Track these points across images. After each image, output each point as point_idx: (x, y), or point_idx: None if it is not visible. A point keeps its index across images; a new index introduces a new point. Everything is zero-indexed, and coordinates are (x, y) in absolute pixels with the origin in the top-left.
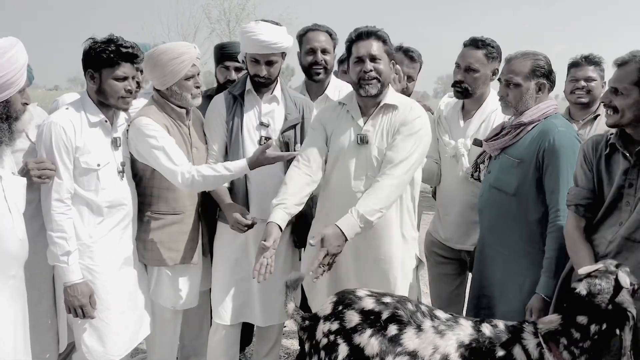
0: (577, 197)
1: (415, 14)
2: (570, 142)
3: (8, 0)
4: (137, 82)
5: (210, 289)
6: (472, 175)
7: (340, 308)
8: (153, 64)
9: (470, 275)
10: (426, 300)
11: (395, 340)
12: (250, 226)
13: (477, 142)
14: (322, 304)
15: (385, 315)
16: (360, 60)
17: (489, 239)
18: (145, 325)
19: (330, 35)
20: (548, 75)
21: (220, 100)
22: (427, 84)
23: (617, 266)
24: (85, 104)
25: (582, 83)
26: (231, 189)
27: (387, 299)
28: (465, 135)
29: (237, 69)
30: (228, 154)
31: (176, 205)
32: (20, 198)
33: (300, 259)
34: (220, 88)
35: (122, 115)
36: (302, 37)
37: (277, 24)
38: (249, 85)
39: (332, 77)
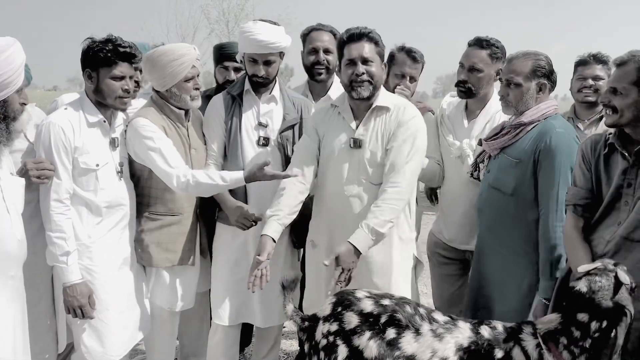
0: (576, 197)
1: (415, 14)
2: (567, 143)
3: (7, 0)
4: (137, 82)
5: (209, 289)
6: (471, 175)
7: (339, 309)
8: (152, 65)
9: None
10: (425, 300)
11: (393, 344)
12: (253, 223)
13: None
14: (318, 305)
15: (383, 319)
16: (352, 62)
17: (487, 238)
18: (143, 326)
19: (335, 35)
20: (549, 75)
21: (218, 100)
22: (426, 84)
23: (614, 265)
24: (83, 104)
25: (590, 82)
26: (231, 189)
27: (386, 301)
28: (470, 135)
29: (236, 69)
30: (226, 154)
31: (174, 207)
32: (19, 198)
33: (298, 259)
34: (219, 88)
35: (121, 116)
36: (305, 36)
37: (275, 23)
38: (247, 86)
39: (335, 77)
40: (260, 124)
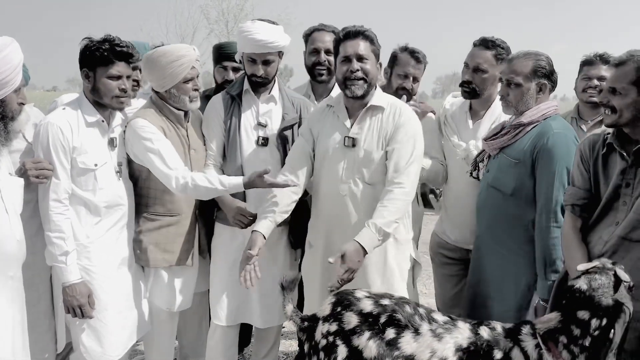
0: (574, 197)
1: (415, 14)
2: (565, 144)
3: (7, 0)
4: (137, 81)
5: (208, 289)
6: (471, 174)
7: (338, 309)
8: (152, 66)
9: None
10: (424, 300)
11: (393, 344)
12: (250, 219)
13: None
14: (316, 305)
15: (383, 319)
16: (347, 59)
17: (486, 237)
18: (142, 326)
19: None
20: (549, 75)
21: (218, 100)
22: (426, 85)
23: (613, 264)
24: (81, 104)
25: (595, 82)
26: None
27: (385, 301)
28: (476, 137)
29: (235, 69)
30: (225, 154)
31: (172, 207)
32: (18, 199)
33: (296, 259)
34: (219, 88)
35: (119, 116)
36: (307, 37)
37: (274, 23)
38: (246, 85)
39: None
40: (259, 123)
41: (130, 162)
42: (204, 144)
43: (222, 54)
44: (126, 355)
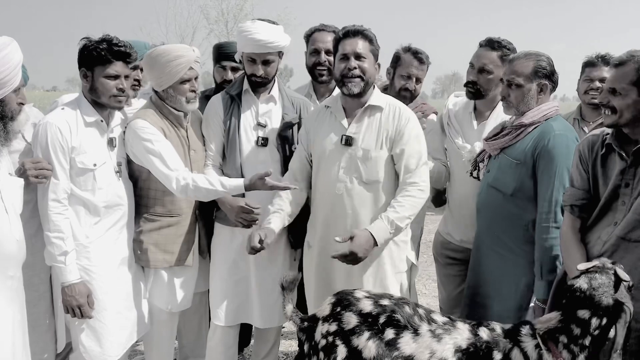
0: (573, 198)
1: (414, 14)
2: (565, 145)
3: (7, 0)
4: (138, 81)
5: (208, 289)
6: (471, 174)
7: (338, 309)
8: (151, 64)
9: None
10: (424, 300)
11: (392, 345)
12: (253, 222)
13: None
14: (312, 304)
15: (382, 319)
16: (345, 57)
17: (485, 237)
18: (142, 326)
19: None
20: (550, 76)
21: (217, 100)
22: (426, 85)
23: (612, 263)
24: (80, 104)
25: (597, 84)
26: None
27: (385, 301)
28: (481, 138)
29: (234, 69)
30: (225, 154)
31: (172, 208)
32: (18, 199)
33: (295, 259)
34: (218, 88)
35: (118, 115)
36: (308, 37)
37: (274, 22)
38: (246, 85)
39: None
40: (259, 124)
41: (130, 162)
42: (204, 145)
43: (221, 53)
44: (126, 356)
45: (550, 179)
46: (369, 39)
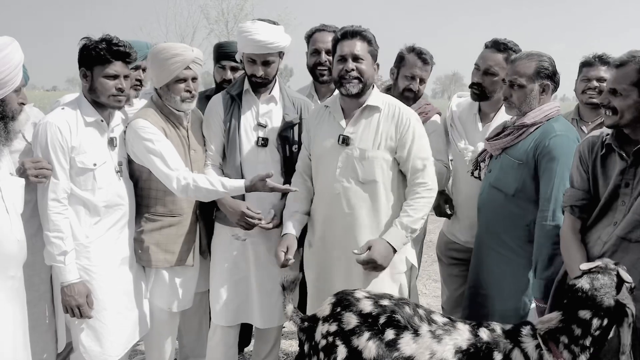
0: (573, 198)
1: (414, 14)
2: (567, 145)
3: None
4: (139, 81)
5: (208, 290)
6: (472, 174)
7: (338, 310)
8: (152, 60)
9: None
10: (424, 300)
11: (392, 345)
12: (253, 225)
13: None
14: (314, 305)
15: (382, 320)
16: (343, 58)
17: (486, 237)
18: (142, 326)
19: None
20: (552, 76)
21: (217, 100)
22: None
23: (615, 264)
24: (80, 104)
25: (595, 83)
26: None
27: (385, 302)
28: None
29: (233, 69)
30: (225, 154)
31: (173, 208)
32: (18, 199)
33: (295, 259)
34: (218, 88)
35: (119, 115)
36: (309, 37)
37: (274, 23)
38: (246, 86)
39: None
40: (259, 124)
41: (130, 162)
42: (204, 145)
43: (221, 53)
44: (126, 355)
45: (551, 178)
46: (368, 40)
